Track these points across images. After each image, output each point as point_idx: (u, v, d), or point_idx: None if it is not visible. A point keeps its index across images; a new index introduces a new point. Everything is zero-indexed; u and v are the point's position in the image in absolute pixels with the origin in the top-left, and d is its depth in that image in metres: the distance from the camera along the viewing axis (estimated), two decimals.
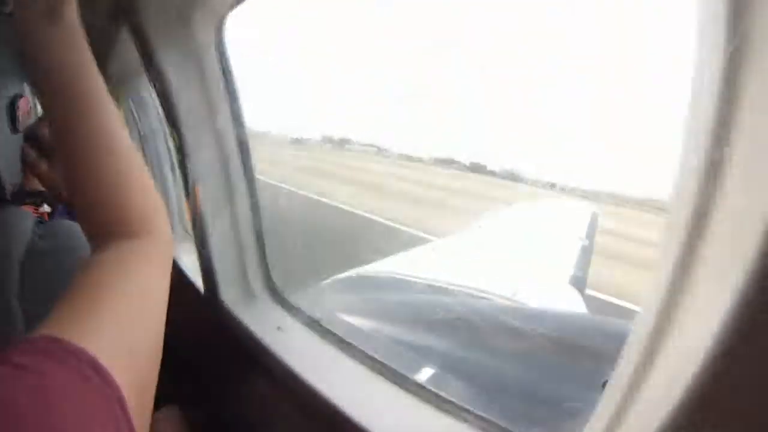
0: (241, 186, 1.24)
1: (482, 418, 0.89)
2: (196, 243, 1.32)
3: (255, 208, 1.28)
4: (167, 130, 2.29)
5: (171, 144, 2.26)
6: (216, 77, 1.12)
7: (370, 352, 1.09)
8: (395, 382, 1.02)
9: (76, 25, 0.57)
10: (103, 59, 1.73)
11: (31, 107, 3.28)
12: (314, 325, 1.22)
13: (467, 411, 0.91)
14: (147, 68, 1.10)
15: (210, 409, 1.52)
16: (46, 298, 1.07)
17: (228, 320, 1.29)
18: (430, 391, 0.97)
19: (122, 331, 0.45)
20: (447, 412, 0.93)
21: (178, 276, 1.70)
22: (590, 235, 4.23)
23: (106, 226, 0.58)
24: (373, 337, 1.59)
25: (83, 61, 0.57)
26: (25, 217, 1.16)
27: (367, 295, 2.26)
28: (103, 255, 0.54)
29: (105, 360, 0.39)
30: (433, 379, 1.20)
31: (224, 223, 1.26)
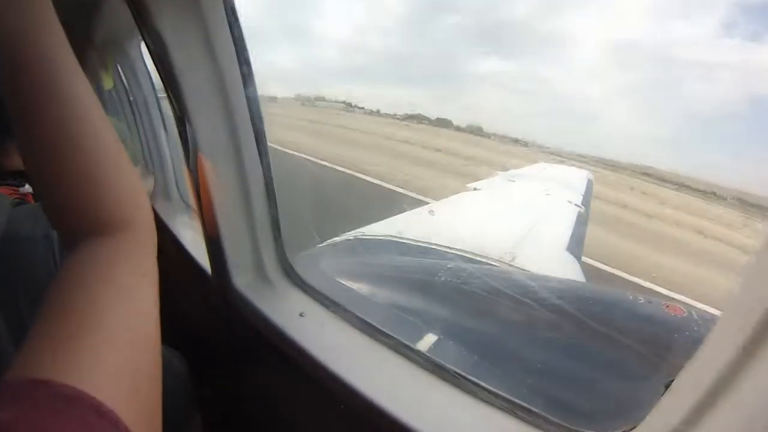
0: (252, 156, 1.12)
1: (521, 407, 0.85)
2: (200, 221, 1.21)
3: (268, 180, 1.17)
4: (160, 95, 2.19)
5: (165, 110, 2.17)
6: (222, 33, 0.98)
7: (402, 339, 1.03)
8: (425, 368, 0.97)
9: None
10: (87, 22, 1.61)
11: None
12: (339, 309, 1.14)
13: (504, 398, 0.88)
14: (140, 26, 0.97)
15: (228, 407, 1.46)
16: (24, 288, 1.01)
17: (241, 306, 1.20)
18: (466, 378, 0.92)
19: (119, 359, 0.39)
20: (481, 399, 0.89)
21: (180, 255, 1.61)
22: (586, 201, 4.26)
23: (78, 221, 0.50)
24: (378, 305, 1.57)
25: (47, 26, 0.47)
26: (1, 201, 1.08)
27: (366, 259, 2.25)
28: (81, 262, 0.47)
29: (107, 399, 0.34)
30: (435, 346, 1.22)
31: (233, 198, 1.15)
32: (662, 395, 0.59)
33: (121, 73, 2.24)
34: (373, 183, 8.92)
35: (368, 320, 1.09)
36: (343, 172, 9.32)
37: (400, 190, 8.42)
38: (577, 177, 5.43)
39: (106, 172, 0.50)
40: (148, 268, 0.51)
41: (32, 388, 0.32)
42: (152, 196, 2.20)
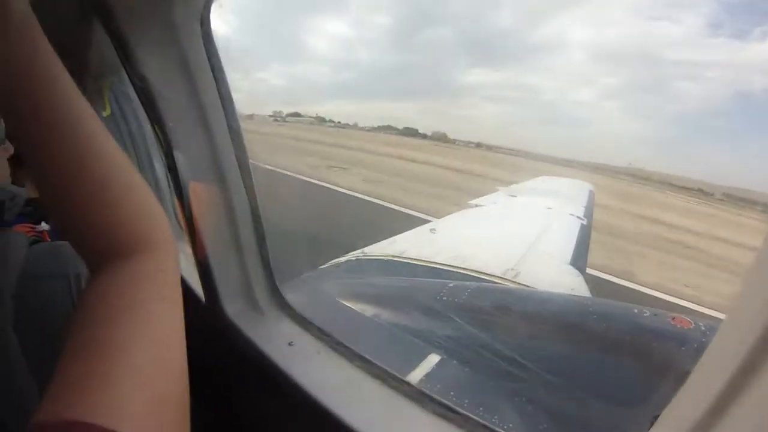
0: (236, 183, 1.13)
1: None
2: (192, 248, 1.21)
3: (254, 207, 1.17)
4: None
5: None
6: (203, 69, 1.00)
7: (392, 368, 1.02)
8: (416, 400, 0.96)
9: (30, 20, 0.47)
10: (81, 54, 1.63)
11: None
12: (328, 338, 1.13)
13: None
14: (124, 64, 0.98)
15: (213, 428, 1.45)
16: (42, 326, 1.00)
17: (232, 334, 1.20)
18: (455, 410, 0.91)
19: (145, 391, 0.39)
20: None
21: None
22: (588, 213, 4.24)
23: (96, 243, 0.50)
24: (378, 326, 1.59)
25: (41, 53, 0.47)
26: (19, 241, 1.09)
27: (367, 279, 2.24)
28: (101, 292, 0.47)
29: None
30: (438, 365, 1.23)
31: (221, 225, 1.16)
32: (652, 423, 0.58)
33: (117, 105, 2.26)
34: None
35: (359, 350, 1.08)
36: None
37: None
38: (579, 189, 5.41)
39: (119, 192, 0.50)
40: (169, 291, 0.50)
41: (62, 429, 0.33)
42: None
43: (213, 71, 1.01)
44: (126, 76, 1.81)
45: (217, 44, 1.01)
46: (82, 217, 0.49)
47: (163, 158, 1.10)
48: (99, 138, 0.50)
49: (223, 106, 1.05)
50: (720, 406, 0.45)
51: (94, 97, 2.52)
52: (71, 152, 0.47)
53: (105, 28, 0.95)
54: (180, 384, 0.43)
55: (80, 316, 0.44)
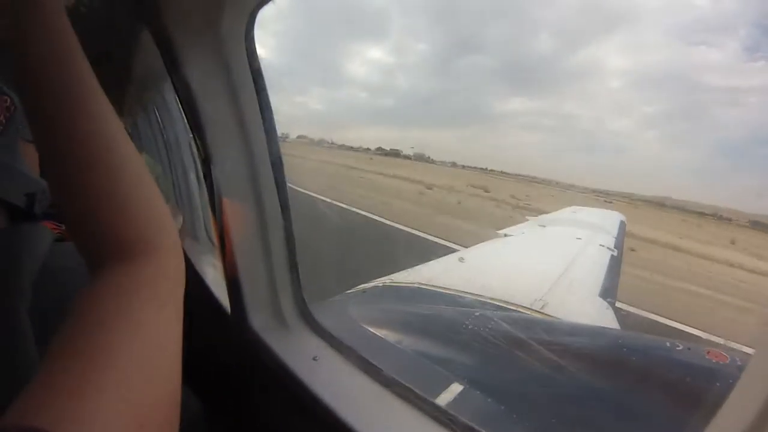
0: (271, 197, 1.14)
1: None
2: (221, 262, 1.22)
3: (287, 224, 1.18)
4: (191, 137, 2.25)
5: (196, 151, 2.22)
6: (246, 82, 1.01)
7: (417, 389, 0.99)
8: (442, 422, 0.93)
9: (58, 9, 0.48)
10: (126, 62, 1.67)
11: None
12: (353, 355, 1.12)
13: None
14: (170, 73, 1.00)
15: None
16: (58, 318, 1.02)
17: (257, 346, 1.19)
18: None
19: (129, 403, 0.36)
20: None
21: (202, 292, 1.62)
22: (618, 244, 4.17)
23: (99, 243, 0.49)
24: (403, 353, 1.55)
25: (67, 50, 0.48)
26: (44, 234, 1.09)
27: (394, 306, 2.22)
28: (96, 293, 0.45)
29: None
30: (461, 395, 1.20)
31: (253, 241, 1.16)
32: None
33: (157, 114, 2.31)
34: None
35: (384, 369, 1.06)
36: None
37: None
38: (610, 219, 5.33)
39: (128, 191, 0.50)
40: (169, 298, 0.49)
41: None
42: (181, 233, 2.23)
43: (255, 86, 1.03)
44: (167, 87, 1.86)
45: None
46: (88, 211, 0.49)
47: (200, 168, 1.11)
48: (114, 135, 0.50)
49: (263, 121, 1.06)
50: None
51: (135, 106, 2.59)
52: (85, 143, 0.47)
53: (154, 38, 0.98)
54: (170, 398, 0.41)
55: (71, 317, 0.42)
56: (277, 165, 1.11)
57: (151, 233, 0.51)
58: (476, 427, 0.88)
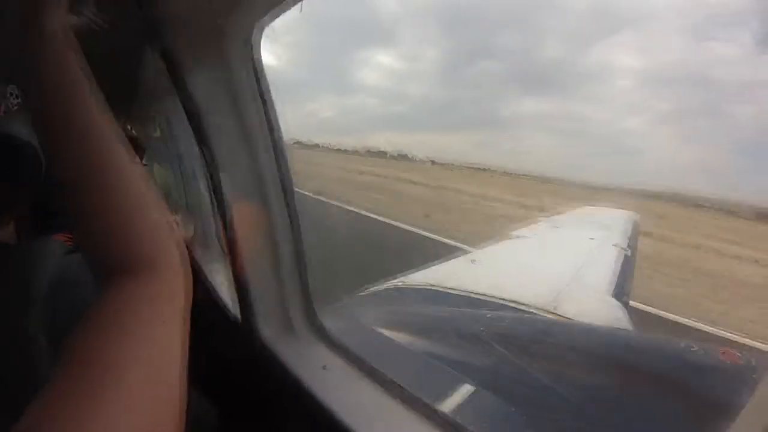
0: (279, 205, 1.14)
1: None
2: (231, 271, 1.23)
3: (296, 233, 1.18)
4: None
5: None
6: (252, 93, 1.02)
7: (426, 397, 0.99)
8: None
9: (61, 37, 0.50)
10: (135, 77, 1.70)
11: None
12: (363, 363, 1.12)
13: None
14: (177, 89, 1.02)
15: None
16: (69, 329, 1.03)
17: (266, 355, 1.20)
18: None
19: (136, 418, 0.37)
20: None
21: (214, 303, 1.64)
22: (632, 244, 4.13)
23: (106, 261, 0.50)
24: (414, 355, 1.54)
25: (70, 77, 0.49)
26: (57, 248, 1.11)
27: (404, 308, 2.21)
28: (102, 309, 0.46)
29: None
30: (472, 397, 1.19)
31: (262, 249, 1.17)
32: None
33: (167, 127, 2.33)
34: None
35: (394, 375, 1.06)
36: None
37: None
38: (623, 219, 5.28)
39: (132, 210, 0.51)
40: (172, 313, 0.49)
41: None
42: (191, 242, 2.25)
43: (260, 95, 1.03)
44: (176, 99, 1.89)
45: (267, 73, 1.03)
46: (93, 229, 0.50)
47: (208, 179, 1.12)
48: (116, 153, 0.51)
49: (269, 129, 1.07)
50: None
51: (145, 118, 2.61)
52: (88, 165, 0.49)
53: (158, 52, 0.99)
54: (173, 412, 0.41)
55: (78, 332, 0.43)
56: (284, 173, 1.12)
57: (155, 252, 0.52)
58: None
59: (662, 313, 4.01)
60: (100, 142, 0.50)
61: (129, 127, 3.57)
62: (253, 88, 1.02)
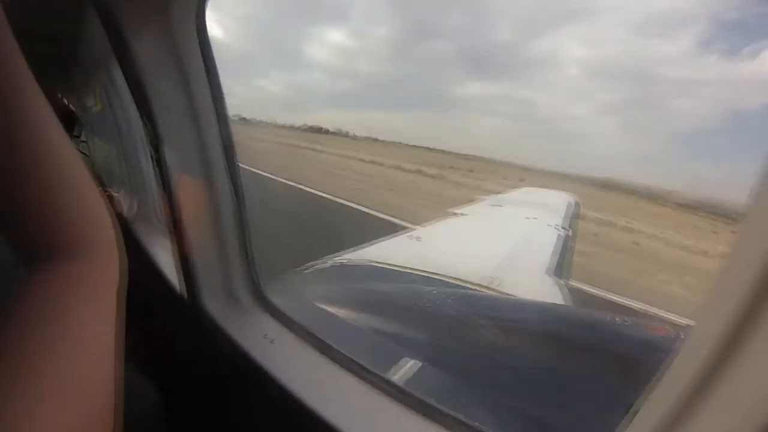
0: (223, 180, 1.14)
1: None
2: (173, 245, 1.21)
3: (240, 205, 1.18)
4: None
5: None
6: (197, 65, 1.00)
7: (369, 366, 1.02)
8: (396, 398, 0.95)
9: None
10: (71, 44, 1.62)
11: None
12: (307, 334, 1.13)
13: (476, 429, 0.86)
14: (117, 55, 0.98)
15: (196, 426, 1.44)
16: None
17: (212, 330, 1.20)
18: (433, 407, 0.91)
19: (61, 411, 0.35)
20: (452, 430, 0.88)
21: (157, 278, 1.61)
22: (571, 224, 4.27)
23: (31, 244, 0.47)
24: (358, 330, 1.58)
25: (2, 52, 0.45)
26: None
27: (348, 284, 2.25)
28: (31, 289, 0.44)
29: None
30: (414, 370, 1.22)
31: (205, 221, 1.16)
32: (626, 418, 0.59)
33: (107, 98, 2.25)
34: None
35: (338, 347, 1.08)
36: None
37: None
38: (562, 200, 5.44)
39: (59, 189, 0.48)
40: (103, 296, 0.47)
41: None
42: (133, 219, 2.19)
43: (206, 69, 1.02)
44: (117, 69, 1.82)
45: (213, 46, 1.02)
46: (18, 210, 0.47)
47: (151, 152, 1.10)
48: (49, 138, 0.47)
49: (214, 103, 1.06)
50: (689, 406, 0.47)
51: (83, 89, 2.50)
52: (8, 142, 0.45)
53: (100, 18, 0.94)
54: (105, 394, 0.40)
55: (1, 317, 0.40)
56: (228, 147, 1.11)
57: (87, 233, 0.49)
58: (428, 401, 0.91)
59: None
60: (21, 113, 0.46)
61: (64, 100, 3.41)
62: (198, 62, 1.00)
